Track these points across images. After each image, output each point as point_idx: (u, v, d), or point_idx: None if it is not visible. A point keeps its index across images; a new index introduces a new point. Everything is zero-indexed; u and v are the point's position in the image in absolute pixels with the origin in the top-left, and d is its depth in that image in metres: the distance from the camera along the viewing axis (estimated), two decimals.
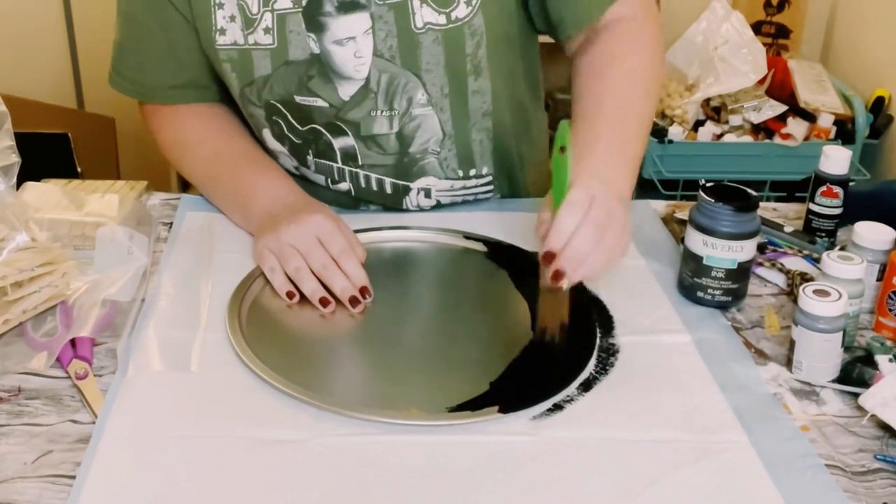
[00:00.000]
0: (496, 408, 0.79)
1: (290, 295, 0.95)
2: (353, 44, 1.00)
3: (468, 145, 1.11)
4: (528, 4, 1.07)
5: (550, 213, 0.85)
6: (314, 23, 1.00)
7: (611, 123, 0.96)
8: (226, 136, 1.13)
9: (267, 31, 1.00)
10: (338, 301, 0.94)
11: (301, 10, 0.99)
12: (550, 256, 0.83)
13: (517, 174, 1.19)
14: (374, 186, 1.11)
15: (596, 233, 0.84)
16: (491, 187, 1.16)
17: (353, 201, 1.14)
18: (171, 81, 1.10)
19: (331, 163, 1.10)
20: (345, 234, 0.99)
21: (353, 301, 0.94)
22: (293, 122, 1.08)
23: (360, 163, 1.09)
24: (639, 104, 1.00)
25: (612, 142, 0.94)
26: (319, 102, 1.05)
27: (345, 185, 1.12)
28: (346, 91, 1.04)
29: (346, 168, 1.10)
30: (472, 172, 1.14)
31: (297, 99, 1.05)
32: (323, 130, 1.07)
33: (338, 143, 1.08)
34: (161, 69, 1.09)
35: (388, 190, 1.12)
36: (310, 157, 1.11)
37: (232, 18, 1.01)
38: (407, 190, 1.12)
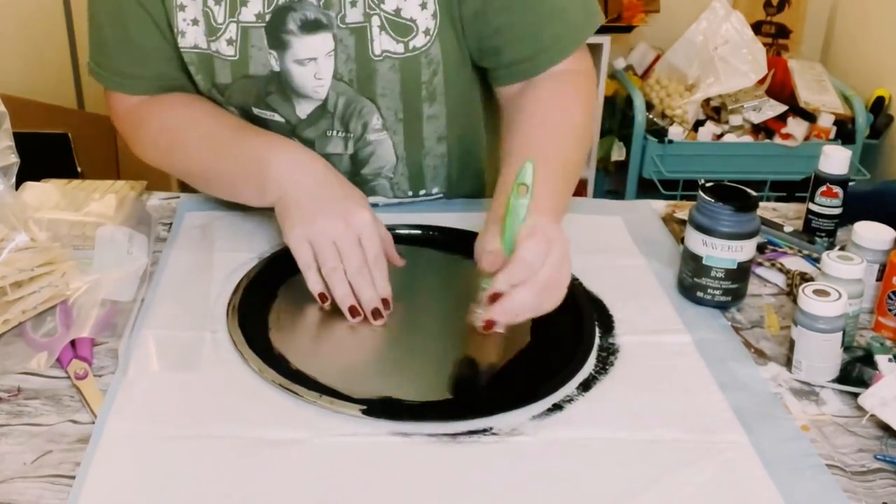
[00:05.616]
0: (495, 407, 0.79)
1: (322, 298, 0.92)
2: (314, 65, 0.99)
3: (420, 168, 1.12)
4: (467, 41, 1.03)
5: (502, 246, 0.83)
6: (277, 40, 0.98)
7: (553, 172, 0.93)
8: (216, 114, 1.06)
9: (230, 42, 0.99)
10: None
11: (264, 25, 0.98)
12: (496, 297, 0.81)
13: (474, 191, 1.18)
14: None
15: (540, 294, 0.82)
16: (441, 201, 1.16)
17: None
18: (150, 74, 1.06)
19: None
20: (382, 235, 0.95)
21: (376, 314, 0.91)
22: None
23: None
24: (576, 156, 1.00)
25: (556, 189, 0.93)
26: (276, 117, 1.04)
27: None
28: (303, 109, 1.03)
29: None
30: (422, 192, 1.14)
31: (255, 111, 1.05)
32: None
33: None
34: (139, 62, 1.05)
35: None
36: None
37: (194, 22, 0.99)
38: None
